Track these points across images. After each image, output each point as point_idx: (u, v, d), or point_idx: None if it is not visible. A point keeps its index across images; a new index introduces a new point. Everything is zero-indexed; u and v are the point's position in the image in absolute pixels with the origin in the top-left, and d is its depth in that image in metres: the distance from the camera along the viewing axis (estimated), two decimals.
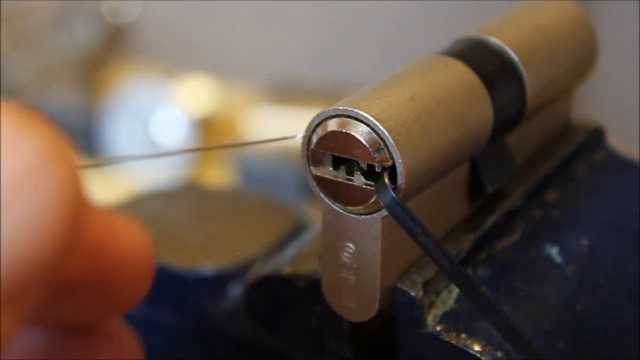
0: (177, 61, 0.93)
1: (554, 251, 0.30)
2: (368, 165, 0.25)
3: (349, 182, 0.26)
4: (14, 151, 0.16)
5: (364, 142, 0.25)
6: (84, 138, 0.82)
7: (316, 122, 0.26)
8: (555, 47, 0.31)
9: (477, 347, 0.26)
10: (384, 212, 0.25)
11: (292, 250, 0.30)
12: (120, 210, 0.37)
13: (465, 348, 0.26)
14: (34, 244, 0.16)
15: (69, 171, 0.16)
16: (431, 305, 0.27)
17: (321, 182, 0.26)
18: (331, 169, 0.26)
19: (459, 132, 0.26)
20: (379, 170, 0.25)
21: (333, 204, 0.26)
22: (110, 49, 0.95)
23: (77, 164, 0.17)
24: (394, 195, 0.24)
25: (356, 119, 0.25)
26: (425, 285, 0.27)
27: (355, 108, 0.25)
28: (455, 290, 0.27)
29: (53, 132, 0.17)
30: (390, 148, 0.24)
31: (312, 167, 0.26)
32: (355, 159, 0.25)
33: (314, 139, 0.26)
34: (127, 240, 0.21)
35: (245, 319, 0.31)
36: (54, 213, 0.16)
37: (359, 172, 0.25)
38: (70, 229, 0.16)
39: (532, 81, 0.30)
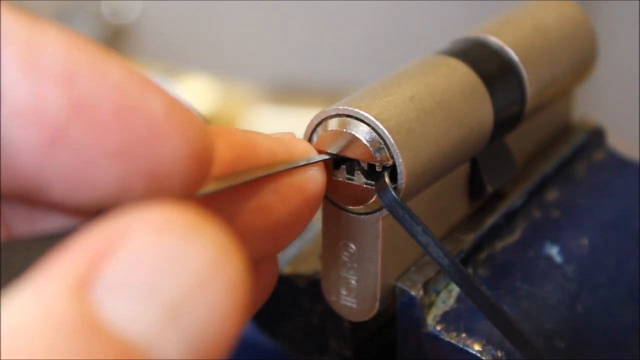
0: (177, 61, 0.93)
1: (554, 251, 0.30)
2: (368, 164, 0.25)
3: (350, 182, 0.25)
4: (189, 255, 0.16)
5: (364, 141, 0.25)
6: None
7: (316, 122, 0.26)
8: (555, 47, 0.31)
9: (477, 347, 0.26)
10: (384, 212, 0.25)
11: (292, 250, 0.30)
12: None
13: (465, 348, 0.26)
14: (211, 342, 0.17)
15: (239, 271, 0.17)
16: (431, 305, 0.27)
17: None
18: (332, 168, 0.26)
19: (459, 131, 0.26)
20: (380, 170, 0.25)
21: (333, 203, 0.26)
22: (110, 49, 0.95)
23: (245, 264, 0.17)
24: (394, 194, 0.24)
25: (357, 118, 0.25)
26: (425, 285, 0.27)
27: (355, 108, 0.25)
28: (455, 290, 0.27)
29: (222, 232, 0.17)
30: (390, 148, 0.24)
31: None
32: (356, 158, 0.25)
33: (315, 138, 0.26)
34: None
35: None
36: (228, 312, 0.17)
37: (359, 172, 0.25)
38: (240, 325, 0.17)
39: (532, 81, 0.30)
